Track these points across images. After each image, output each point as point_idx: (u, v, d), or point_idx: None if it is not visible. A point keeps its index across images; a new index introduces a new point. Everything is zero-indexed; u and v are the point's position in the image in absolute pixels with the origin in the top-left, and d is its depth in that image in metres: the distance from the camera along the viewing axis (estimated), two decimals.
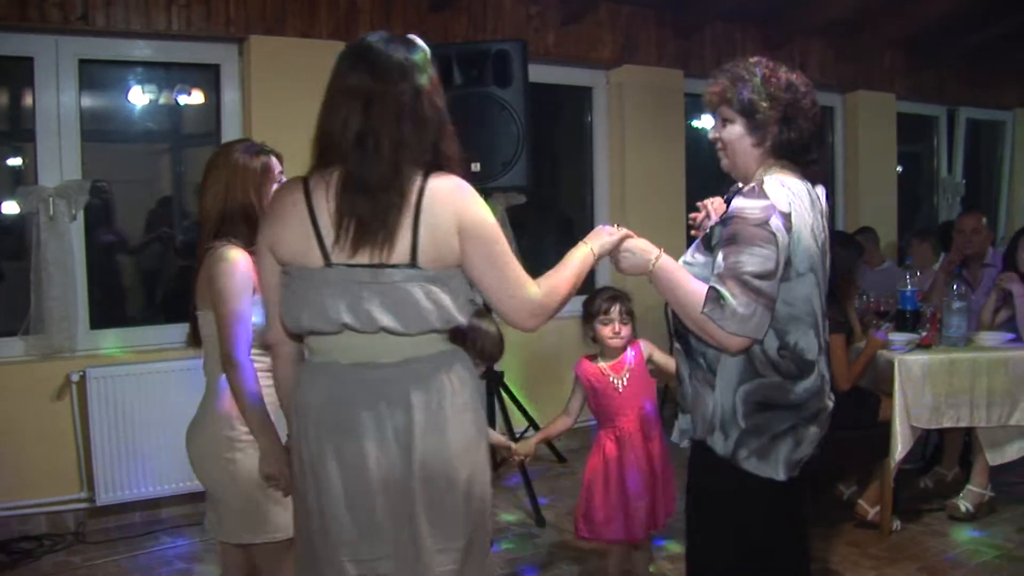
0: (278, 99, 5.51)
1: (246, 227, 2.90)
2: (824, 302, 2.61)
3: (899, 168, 8.84)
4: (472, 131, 5.32)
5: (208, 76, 5.77)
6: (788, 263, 2.45)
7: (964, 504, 4.98)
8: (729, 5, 6.84)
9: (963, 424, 4.79)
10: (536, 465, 6.10)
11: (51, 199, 5.11)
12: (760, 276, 2.38)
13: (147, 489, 5.22)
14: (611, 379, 3.79)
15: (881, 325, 4.94)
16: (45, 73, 5.19)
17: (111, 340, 5.44)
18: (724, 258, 2.41)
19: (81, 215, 5.28)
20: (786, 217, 2.43)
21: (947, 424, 4.75)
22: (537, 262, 4.78)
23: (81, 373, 5.07)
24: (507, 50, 5.35)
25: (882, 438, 4.68)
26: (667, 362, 3.77)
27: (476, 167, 5.29)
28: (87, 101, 5.45)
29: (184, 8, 5.33)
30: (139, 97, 5.80)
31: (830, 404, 2.65)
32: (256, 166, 2.99)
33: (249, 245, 2.83)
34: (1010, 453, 4.91)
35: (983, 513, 4.98)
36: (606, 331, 3.76)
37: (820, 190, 2.68)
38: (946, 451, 5.58)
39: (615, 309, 3.76)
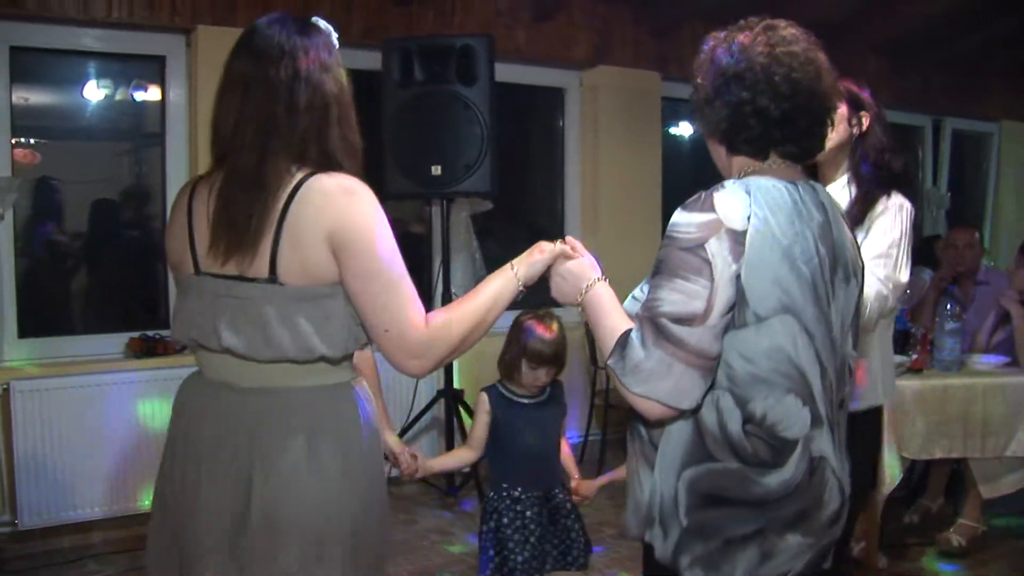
0: None
1: None
2: (835, 351, 1.90)
3: None
4: (433, 132, 5.04)
5: (154, 69, 5.40)
6: (740, 303, 1.77)
7: (956, 538, 4.65)
8: (708, 4, 6.51)
9: (955, 455, 4.48)
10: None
11: None
12: (680, 320, 1.73)
13: (76, 512, 4.82)
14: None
15: None
16: None
17: (41, 350, 5.04)
18: (648, 292, 1.83)
19: (10, 215, 4.89)
20: (736, 238, 1.76)
21: (939, 455, 4.43)
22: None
23: (4, 386, 4.67)
24: (472, 45, 5.05)
25: (870, 468, 4.33)
26: None
27: (436, 171, 4.98)
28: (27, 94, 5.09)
29: None
30: (94, 92, 5.43)
31: (835, 502, 1.90)
32: None
33: None
34: (1005, 486, 4.60)
35: (975, 548, 4.66)
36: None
37: (823, 191, 1.99)
38: (931, 481, 5.26)
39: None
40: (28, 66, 5.11)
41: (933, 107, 8.79)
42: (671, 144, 7.05)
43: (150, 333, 5.18)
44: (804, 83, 1.85)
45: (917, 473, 5.42)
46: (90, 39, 5.11)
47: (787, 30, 1.90)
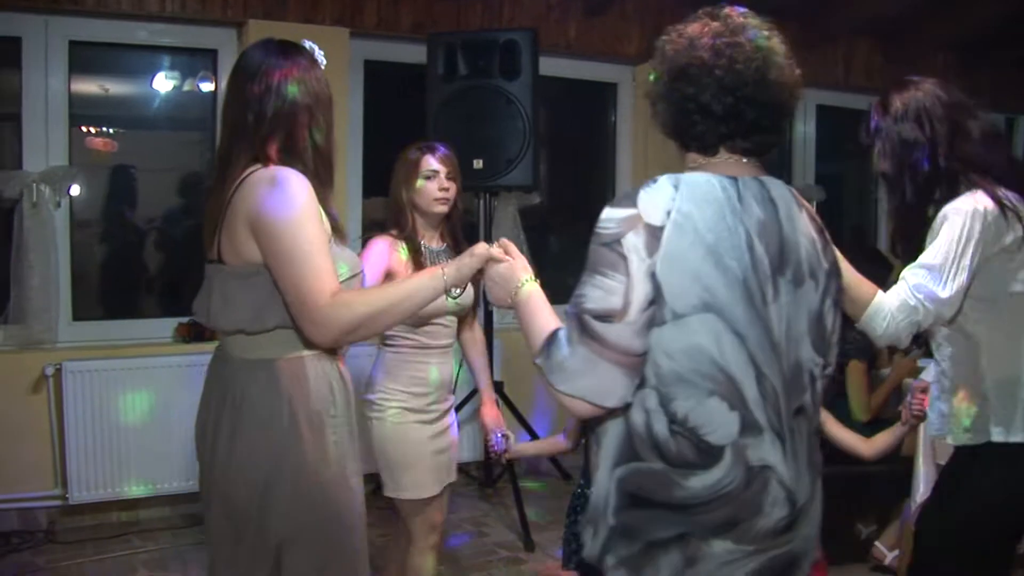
0: None
1: (394, 215, 3.40)
2: (780, 356, 1.79)
3: None
4: (476, 126, 5.08)
5: (207, 62, 5.56)
6: (658, 300, 1.71)
7: None
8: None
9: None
10: (534, 483, 5.85)
11: (35, 185, 4.92)
12: (601, 316, 1.71)
13: (123, 489, 5.00)
14: None
15: (911, 350, 4.53)
16: (33, 54, 5.01)
17: (94, 332, 5.24)
18: (575, 289, 1.80)
19: (66, 202, 5.11)
20: (653, 232, 1.71)
21: None
22: (564, 270, 4.52)
23: (57, 366, 4.86)
24: (516, 39, 5.08)
25: (905, 475, 4.26)
26: None
27: (479, 164, 5.03)
28: (80, 85, 5.27)
29: None
30: (162, 83, 5.65)
31: (780, 512, 1.79)
32: (410, 159, 3.40)
33: (400, 232, 3.36)
34: None
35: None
36: None
37: (780, 187, 1.88)
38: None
39: None
40: (99, 59, 5.39)
41: (1004, 105, 8.57)
42: None
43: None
44: (748, 75, 1.78)
45: None
46: (145, 33, 5.28)
47: (738, 19, 1.85)
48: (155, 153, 5.82)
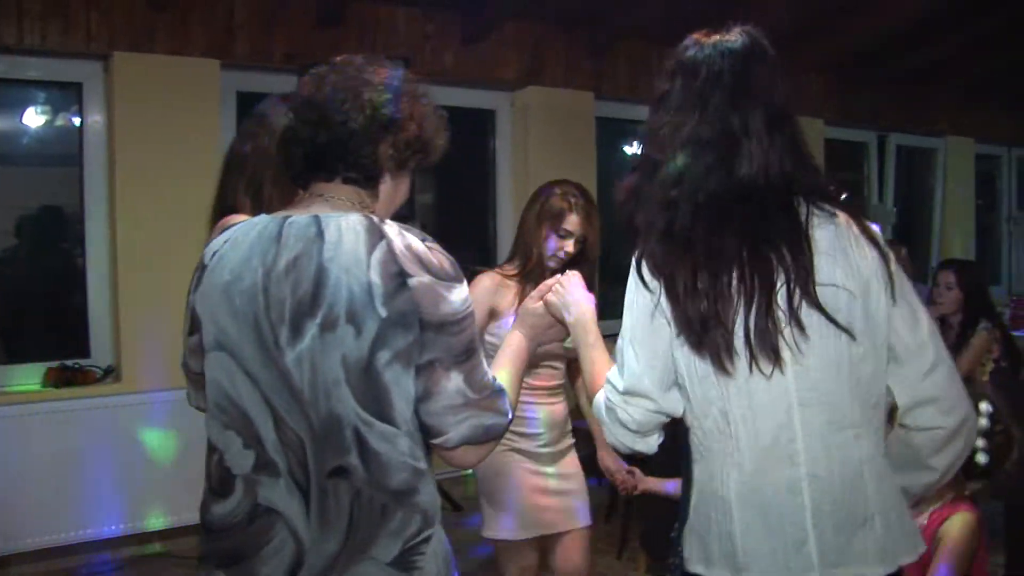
0: (146, 121, 5.12)
1: (522, 250, 3.36)
2: (304, 405, 1.69)
3: (844, 195, 8.45)
4: None
5: (72, 95, 5.35)
6: (196, 331, 1.79)
7: None
8: (644, 23, 6.48)
9: None
10: None
11: None
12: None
13: None
14: None
15: None
16: None
17: None
18: None
19: None
20: (199, 271, 1.81)
21: None
22: None
23: None
24: None
25: None
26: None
27: None
28: None
29: (39, 21, 4.88)
30: (33, 118, 5.45)
31: (282, 563, 1.72)
32: (553, 208, 3.34)
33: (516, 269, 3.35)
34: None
35: None
36: None
37: (355, 225, 1.73)
38: None
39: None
40: None
41: (878, 123, 8.82)
42: (605, 164, 6.96)
43: (69, 363, 5.11)
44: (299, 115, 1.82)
45: None
46: (3, 66, 5.04)
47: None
48: (22, 190, 5.57)
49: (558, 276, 2.23)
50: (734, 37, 1.89)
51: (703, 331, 1.77)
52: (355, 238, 1.71)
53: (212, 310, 1.75)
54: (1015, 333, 5.97)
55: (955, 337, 4.94)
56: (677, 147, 1.84)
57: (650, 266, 1.83)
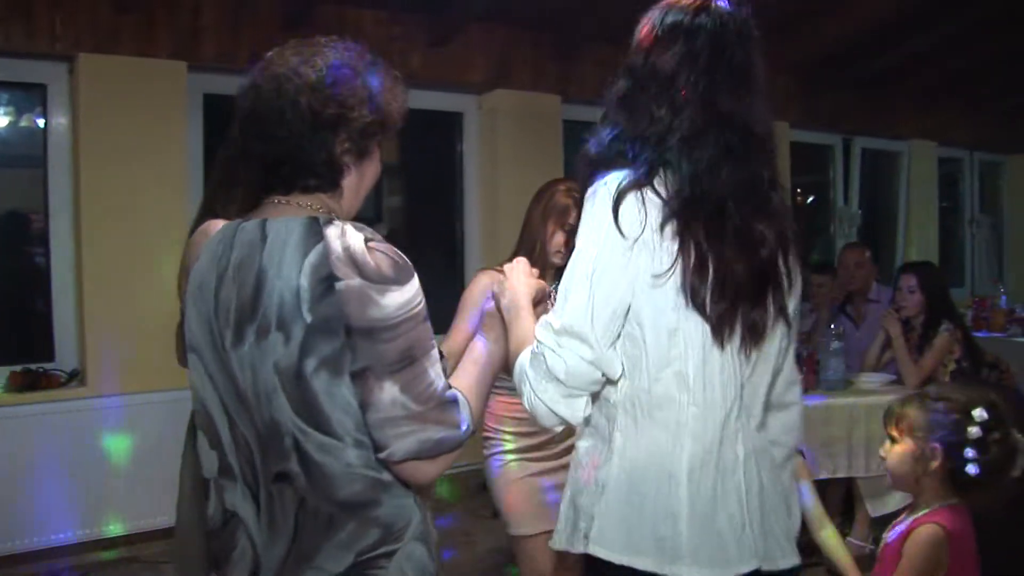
0: (112, 122, 5.07)
1: (527, 246, 3.36)
2: (249, 409, 1.69)
3: (810, 198, 8.67)
4: None
5: (36, 97, 5.30)
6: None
7: None
8: (610, 26, 6.46)
9: (841, 475, 4.50)
10: None
11: None
12: None
13: None
14: None
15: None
16: None
17: None
18: None
19: None
20: (186, 274, 1.91)
21: (824, 475, 4.45)
22: None
23: None
24: None
25: None
26: None
27: None
28: None
29: (2, 22, 4.83)
30: None
31: (240, 570, 1.76)
32: (559, 204, 3.40)
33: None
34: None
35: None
36: None
37: (297, 230, 1.67)
38: (826, 501, 5.26)
39: None
40: None
41: (843, 126, 8.86)
42: (572, 166, 6.93)
43: (33, 366, 5.06)
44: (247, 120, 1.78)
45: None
46: None
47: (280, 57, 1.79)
48: None
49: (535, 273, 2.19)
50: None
51: (736, 298, 1.76)
52: (293, 241, 1.66)
53: (187, 314, 1.79)
54: (976, 334, 6.06)
55: (918, 339, 4.98)
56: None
57: (677, 227, 1.75)
